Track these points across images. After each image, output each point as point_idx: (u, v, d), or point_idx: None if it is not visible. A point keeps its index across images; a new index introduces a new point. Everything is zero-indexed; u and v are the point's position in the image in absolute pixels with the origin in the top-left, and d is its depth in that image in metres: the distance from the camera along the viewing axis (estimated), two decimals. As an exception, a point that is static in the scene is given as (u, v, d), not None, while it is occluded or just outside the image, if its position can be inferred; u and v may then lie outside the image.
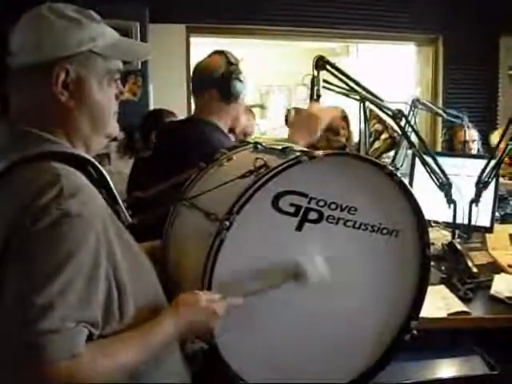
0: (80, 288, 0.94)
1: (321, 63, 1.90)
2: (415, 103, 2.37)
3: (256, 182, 1.17)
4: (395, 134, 2.48)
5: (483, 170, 2.22)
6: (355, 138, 3.68)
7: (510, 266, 2.14)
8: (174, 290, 1.23)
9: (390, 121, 2.32)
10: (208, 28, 4.55)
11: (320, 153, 1.22)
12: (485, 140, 3.77)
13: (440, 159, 2.14)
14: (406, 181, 1.34)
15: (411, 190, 1.34)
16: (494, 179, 2.27)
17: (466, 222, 2.24)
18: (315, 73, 1.89)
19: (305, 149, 1.47)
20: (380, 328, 1.40)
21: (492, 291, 1.91)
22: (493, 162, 2.22)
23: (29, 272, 0.92)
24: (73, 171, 1.03)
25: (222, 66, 1.99)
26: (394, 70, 5.64)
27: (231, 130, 2.92)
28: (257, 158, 1.22)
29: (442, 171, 2.11)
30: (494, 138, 3.57)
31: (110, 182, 1.14)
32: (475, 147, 3.63)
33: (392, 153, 2.45)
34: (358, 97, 2.01)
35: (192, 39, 4.52)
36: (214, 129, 2.01)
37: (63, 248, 0.94)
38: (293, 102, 6.62)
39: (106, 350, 0.98)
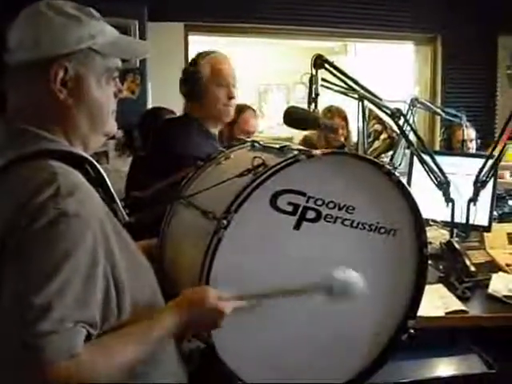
0: (78, 288, 0.94)
1: (319, 62, 1.89)
2: (413, 102, 2.37)
3: (254, 181, 1.17)
4: (394, 135, 2.49)
5: (481, 169, 2.22)
6: (354, 138, 3.69)
7: (507, 265, 2.15)
8: (171, 288, 1.23)
9: (389, 121, 2.32)
10: (206, 26, 4.55)
11: (318, 152, 1.22)
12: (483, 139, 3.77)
13: (438, 158, 2.14)
14: (404, 180, 1.34)
15: (409, 189, 1.34)
16: (492, 178, 2.27)
17: (464, 220, 2.24)
18: (313, 71, 1.88)
19: (303, 148, 1.47)
20: (377, 327, 1.40)
21: (490, 290, 1.91)
22: (491, 161, 2.22)
23: (26, 272, 0.92)
24: (70, 169, 1.03)
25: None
26: (392, 69, 5.65)
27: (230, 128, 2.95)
28: (255, 157, 1.22)
29: (441, 170, 2.11)
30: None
31: (108, 181, 1.14)
32: (473, 146, 3.63)
33: (391, 152, 2.45)
34: (356, 95, 2.01)
35: (190, 37, 4.51)
36: (197, 126, 2.09)
37: (60, 247, 0.93)
38: (291, 101, 6.62)
39: (105, 349, 0.98)
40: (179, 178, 1.47)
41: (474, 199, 2.22)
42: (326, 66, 1.90)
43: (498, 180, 2.51)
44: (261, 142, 1.47)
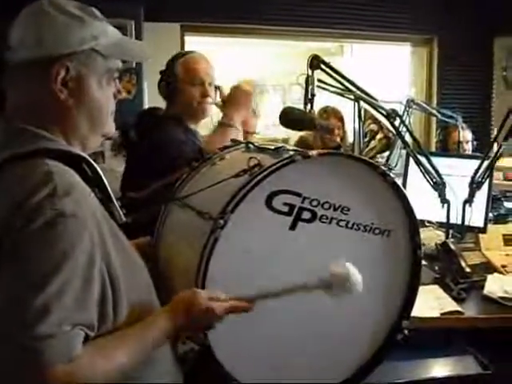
0: (76, 289, 0.93)
1: (315, 63, 1.89)
2: (409, 103, 2.37)
3: (250, 181, 1.17)
4: (390, 135, 2.49)
5: (477, 171, 2.23)
6: (350, 138, 3.69)
7: (503, 266, 2.15)
8: (166, 288, 1.23)
9: (385, 121, 2.32)
10: (202, 27, 4.55)
11: (314, 152, 1.23)
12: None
13: (434, 159, 2.14)
14: (399, 181, 1.34)
15: (404, 190, 1.34)
16: (488, 179, 2.27)
17: (459, 222, 2.24)
18: (310, 72, 1.89)
19: (298, 148, 1.47)
20: (372, 327, 1.40)
21: (485, 291, 1.91)
22: (486, 163, 2.22)
23: (24, 273, 0.91)
24: (65, 168, 1.03)
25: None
26: (388, 70, 5.65)
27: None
28: (251, 158, 1.22)
29: (436, 171, 2.11)
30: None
31: (105, 181, 1.13)
32: (469, 148, 3.64)
33: (387, 153, 2.45)
34: (352, 96, 2.01)
35: (187, 38, 4.51)
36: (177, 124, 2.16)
37: (58, 248, 0.93)
38: (287, 102, 6.61)
39: (103, 350, 0.98)
40: (174, 179, 1.47)
41: (469, 200, 2.23)
42: (322, 66, 1.91)
43: (494, 181, 2.51)
44: (255, 143, 1.47)
